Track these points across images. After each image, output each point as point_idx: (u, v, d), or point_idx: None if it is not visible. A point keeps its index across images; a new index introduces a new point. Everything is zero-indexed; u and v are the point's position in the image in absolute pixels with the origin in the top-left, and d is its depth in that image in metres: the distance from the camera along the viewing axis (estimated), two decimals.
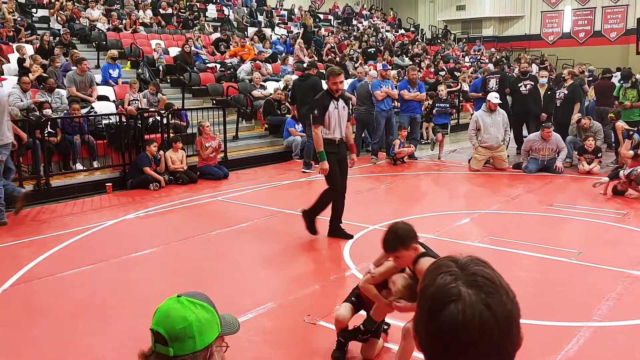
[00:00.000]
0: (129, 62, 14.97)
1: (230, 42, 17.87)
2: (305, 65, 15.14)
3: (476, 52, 28.54)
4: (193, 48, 15.99)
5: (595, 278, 5.44)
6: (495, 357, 1.09)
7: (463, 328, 1.08)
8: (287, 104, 13.15)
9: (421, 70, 19.34)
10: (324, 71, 12.22)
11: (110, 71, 12.97)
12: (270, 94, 13.82)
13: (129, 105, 11.06)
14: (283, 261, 6.13)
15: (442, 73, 20.29)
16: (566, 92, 11.87)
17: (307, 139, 11.68)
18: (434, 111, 13.33)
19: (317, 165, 6.92)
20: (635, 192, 8.43)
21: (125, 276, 5.67)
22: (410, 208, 8.37)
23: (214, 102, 13.78)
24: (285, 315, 4.70)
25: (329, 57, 18.62)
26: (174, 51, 15.99)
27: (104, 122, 10.42)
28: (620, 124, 10.83)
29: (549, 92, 12.09)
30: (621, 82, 11.97)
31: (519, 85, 12.12)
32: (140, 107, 11.12)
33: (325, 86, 7.31)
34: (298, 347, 4.24)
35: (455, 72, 20.99)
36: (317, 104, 6.66)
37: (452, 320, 1.09)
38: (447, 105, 13.76)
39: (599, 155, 10.54)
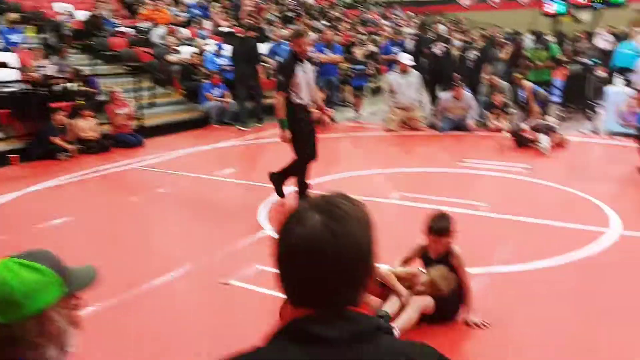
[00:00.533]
0: (32, 26, 14.09)
1: (144, 5, 17.17)
2: (226, 30, 14.88)
3: (395, 16, 28.83)
4: (103, 11, 15.25)
5: (499, 228, 5.72)
6: (339, 284, 1.11)
7: (303, 250, 1.10)
8: (202, 69, 12.87)
9: (340, 33, 19.34)
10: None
11: (10, 36, 12.18)
12: (187, 59, 13.46)
13: (34, 72, 10.46)
14: (198, 225, 6.08)
15: (361, 37, 20.39)
16: (478, 54, 12.25)
17: (239, 101, 11.59)
18: (351, 74, 13.42)
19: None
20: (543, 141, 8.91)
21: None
22: (328, 170, 8.45)
23: (128, 68, 13.27)
24: (200, 277, 4.68)
25: (247, 20, 18.27)
26: (82, 15, 15.18)
27: (7, 89, 9.82)
28: (529, 84, 11.30)
29: (461, 54, 12.43)
30: (534, 43, 12.48)
31: (434, 47, 12.39)
32: (47, 74, 10.55)
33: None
34: (212, 308, 4.25)
35: (373, 35, 21.14)
36: (283, 69, 6.30)
37: (294, 242, 1.11)
38: (364, 67, 13.87)
39: (508, 111, 10.98)
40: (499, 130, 10.51)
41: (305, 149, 6.38)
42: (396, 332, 3.40)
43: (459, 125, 10.79)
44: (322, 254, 1.09)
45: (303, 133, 6.30)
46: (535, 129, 9.05)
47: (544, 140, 8.91)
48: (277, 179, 6.59)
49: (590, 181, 7.26)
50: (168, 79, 13.32)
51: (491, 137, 10.27)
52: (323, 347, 1.07)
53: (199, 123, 12.18)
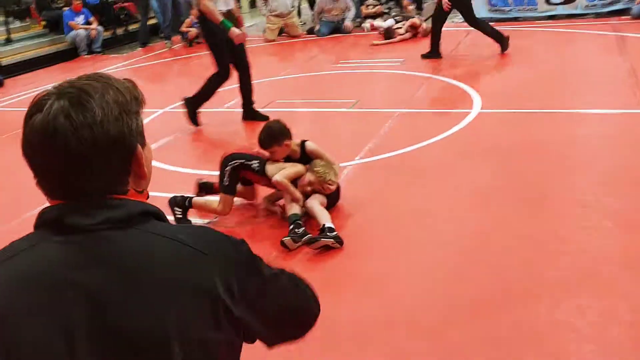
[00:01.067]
0: None
1: None
2: None
3: None
4: None
5: (366, 121, 5.80)
6: (86, 174, 1.03)
7: (39, 141, 1.01)
8: None
9: None
10: None
11: None
12: None
13: None
14: None
15: None
16: None
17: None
18: None
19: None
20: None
21: None
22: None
23: None
24: None
25: None
26: None
27: None
28: None
29: None
30: None
31: None
32: None
33: None
34: None
35: None
36: None
37: (31, 132, 1.02)
38: None
39: (383, 10, 10.98)
40: (375, 29, 10.51)
41: (224, 62, 5.92)
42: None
43: (338, 28, 10.69)
44: (58, 144, 0.99)
45: (220, 46, 5.83)
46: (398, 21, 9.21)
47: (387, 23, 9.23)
48: (192, 103, 6.13)
49: (458, 68, 7.47)
50: (24, 10, 12.20)
51: (367, 37, 10.28)
52: (77, 235, 1.01)
53: (66, 55, 11.36)
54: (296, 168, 3.84)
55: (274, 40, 10.84)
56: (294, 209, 3.69)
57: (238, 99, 6.38)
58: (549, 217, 3.59)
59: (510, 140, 4.86)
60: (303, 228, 3.54)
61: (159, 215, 1.11)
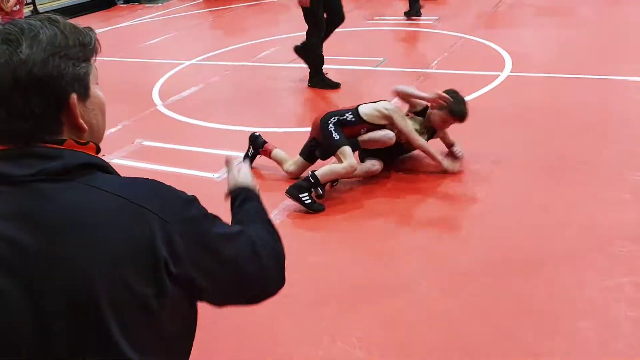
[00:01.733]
0: None
1: None
2: None
3: None
4: None
5: (390, 81, 5.65)
6: (8, 118, 0.99)
7: None
8: None
9: None
10: None
11: None
12: None
13: None
14: None
15: None
16: None
17: None
18: None
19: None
20: None
21: None
22: (230, 39, 8.10)
23: None
24: None
25: None
26: None
27: None
28: None
29: None
30: None
31: None
32: None
33: None
34: None
35: None
36: None
37: None
38: None
39: None
40: None
41: (319, 22, 5.58)
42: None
43: None
44: None
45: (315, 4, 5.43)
46: None
47: None
48: (315, 75, 5.71)
49: (495, 28, 7.19)
50: None
51: None
52: (7, 186, 0.97)
53: (104, 3, 11.40)
54: (398, 115, 3.74)
55: None
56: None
57: (268, 51, 6.28)
58: (566, 186, 3.45)
59: (536, 105, 4.67)
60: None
61: (104, 168, 1.05)
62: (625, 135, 4.05)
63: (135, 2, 11.53)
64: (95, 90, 1.08)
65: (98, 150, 1.10)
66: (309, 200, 3.46)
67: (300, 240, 3.17)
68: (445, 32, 7.19)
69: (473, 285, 2.66)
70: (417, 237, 3.13)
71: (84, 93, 1.04)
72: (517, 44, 6.33)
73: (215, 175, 3.97)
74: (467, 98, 4.78)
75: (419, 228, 3.21)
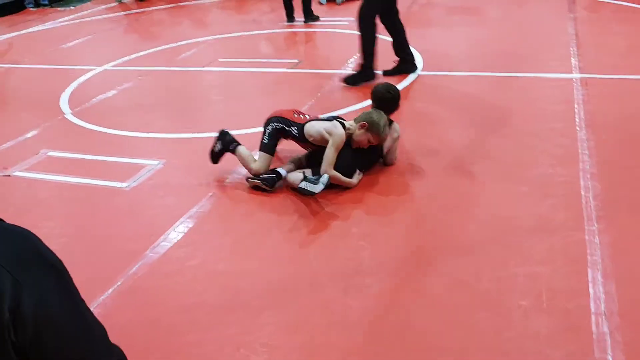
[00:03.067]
0: None
1: None
2: None
3: None
4: None
5: (307, 82, 5.70)
6: None
7: None
8: None
9: None
10: None
11: None
12: None
13: None
14: None
15: None
16: None
17: None
18: None
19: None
20: None
21: None
22: (146, 43, 7.93)
23: None
24: None
25: None
26: None
27: None
28: None
29: None
30: None
31: None
32: None
33: None
34: None
35: None
36: None
37: None
38: None
39: None
40: None
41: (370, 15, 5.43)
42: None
43: None
44: None
45: None
46: None
47: None
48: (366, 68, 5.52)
49: (409, 28, 7.36)
50: None
51: None
52: None
53: (12, 7, 10.89)
54: (334, 141, 3.62)
55: None
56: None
57: (184, 55, 6.17)
58: (468, 181, 3.59)
59: (444, 103, 4.83)
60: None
61: None
62: (525, 130, 4.25)
63: (45, 6, 11.08)
64: None
65: None
66: (216, 150, 3.88)
67: (208, 248, 3.15)
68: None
69: (375, 283, 2.72)
70: (321, 239, 3.16)
71: None
72: (429, 43, 6.51)
73: (124, 184, 3.88)
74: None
75: (323, 230, 3.25)
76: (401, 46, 5.63)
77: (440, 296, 2.62)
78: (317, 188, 3.42)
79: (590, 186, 3.38)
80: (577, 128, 4.15)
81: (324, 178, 3.49)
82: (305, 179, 3.51)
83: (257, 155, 3.81)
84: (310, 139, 3.74)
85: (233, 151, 3.88)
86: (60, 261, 0.97)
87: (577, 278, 2.64)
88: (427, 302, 2.59)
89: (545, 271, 2.70)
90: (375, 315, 2.52)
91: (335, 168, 3.60)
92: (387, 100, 3.96)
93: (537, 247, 2.89)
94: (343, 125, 3.72)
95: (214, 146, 3.94)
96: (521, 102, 4.77)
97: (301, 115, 3.87)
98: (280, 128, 3.79)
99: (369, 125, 3.67)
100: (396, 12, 5.58)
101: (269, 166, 3.79)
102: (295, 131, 3.77)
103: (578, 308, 2.45)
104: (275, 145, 3.83)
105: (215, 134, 3.98)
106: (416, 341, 2.37)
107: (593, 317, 2.39)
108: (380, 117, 3.72)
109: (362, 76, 5.46)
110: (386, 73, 5.56)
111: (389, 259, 2.91)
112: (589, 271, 2.67)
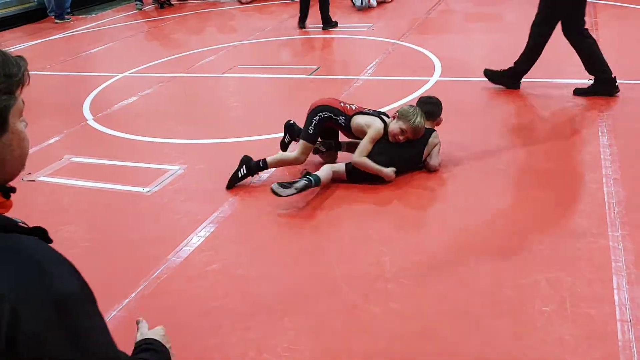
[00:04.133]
0: None
1: None
2: None
3: None
4: None
5: (325, 89, 5.72)
6: None
7: None
8: None
9: None
10: None
11: None
12: None
13: None
14: None
15: None
16: None
17: None
18: None
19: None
20: None
21: None
22: (166, 50, 8.01)
23: None
24: None
25: None
26: None
27: None
28: None
29: None
30: None
31: None
32: None
33: None
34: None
35: None
36: None
37: None
38: None
39: None
40: None
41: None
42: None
43: None
44: None
45: None
46: None
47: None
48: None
49: (426, 34, 7.37)
50: None
51: (338, 1, 10.09)
52: None
53: (35, 16, 11.06)
54: (370, 133, 3.75)
55: (246, 3, 10.62)
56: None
57: (203, 62, 6.21)
58: (488, 186, 3.57)
59: (463, 109, 4.81)
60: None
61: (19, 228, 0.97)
62: (546, 136, 4.23)
63: (67, 14, 11.23)
64: (17, 125, 1.01)
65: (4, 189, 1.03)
66: (241, 175, 3.81)
67: (229, 253, 3.17)
68: (379, 38, 7.33)
69: (395, 289, 2.72)
70: (342, 244, 3.17)
71: (1, 127, 0.98)
72: (447, 49, 6.50)
73: (146, 189, 3.92)
74: (398, 103, 4.94)
75: (344, 235, 3.25)
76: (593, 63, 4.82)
77: (462, 302, 2.61)
78: (285, 192, 3.46)
79: (614, 192, 3.35)
80: (600, 134, 4.12)
81: (299, 184, 3.50)
82: (279, 183, 3.52)
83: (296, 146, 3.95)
84: (354, 131, 3.84)
85: (264, 167, 3.86)
86: (75, 291, 0.95)
87: (602, 284, 2.61)
88: (448, 308, 2.58)
89: (568, 277, 2.67)
90: (397, 321, 2.52)
91: (370, 159, 3.69)
92: (427, 102, 3.98)
93: (560, 253, 2.86)
94: (384, 121, 3.83)
95: (238, 171, 3.87)
96: (542, 108, 4.74)
97: (347, 105, 3.94)
98: (328, 117, 3.85)
99: (399, 114, 3.76)
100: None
101: (308, 155, 3.88)
102: (343, 121, 3.85)
103: (603, 315, 2.43)
104: (319, 135, 3.90)
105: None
106: (437, 347, 2.36)
107: (619, 324, 2.36)
108: (412, 108, 3.79)
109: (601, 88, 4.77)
110: (577, 92, 4.88)
111: (409, 264, 2.91)
112: (614, 277, 2.64)
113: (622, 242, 2.89)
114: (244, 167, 3.86)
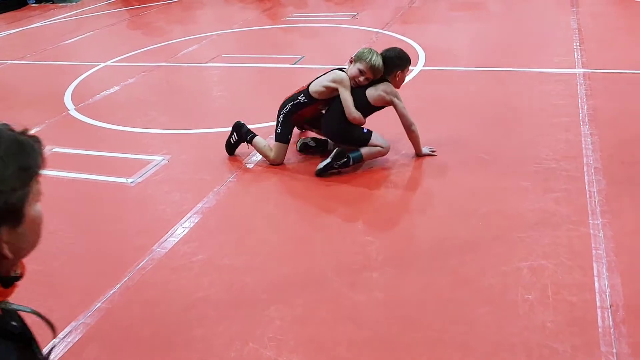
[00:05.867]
0: None
1: None
2: None
3: None
4: None
5: (309, 78, 5.69)
6: None
7: None
8: None
9: None
10: None
11: None
12: None
13: None
14: (4, 113, 5.57)
15: None
16: None
17: None
18: None
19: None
20: None
21: None
22: (148, 39, 7.94)
23: None
24: None
25: None
26: None
27: None
28: None
29: None
30: None
31: None
32: None
33: None
34: None
35: None
36: None
37: None
38: None
39: None
40: None
41: None
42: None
43: None
44: None
45: None
46: None
47: None
48: None
49: (410, 23, 7.37)
50: None
51: None
52: None
53: (13, 3, 10.89)
54: (342, 84, 3.74)
55: None
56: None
57: (186, 51, 6.15)
58: (470, 176, 3.60)
59: (446, 98, 4.83)
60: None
61: None
62: (528, 125, 4.26)
63: (47, 2, 11.08)
64: (33, 210, 0.94)
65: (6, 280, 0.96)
66: (232, 142, 4.01)
67: (214, 243, 3.16)
68: (363, 27, 7.32)
69: (381, 278, 2.74)
70: (328, 234, 3.18)
71: (17, 221, 0.91)
72: (431, 39, 6.52)
73: (129, 180, 3.90)
74: None
75: (330, 225, 3.26)
76: None
77: (445, 291, 2.63)
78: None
79: (595, 180, 3.39)
80: (581, 123, 4.16)
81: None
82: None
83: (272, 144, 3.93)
84: (319, 96, 3.80)
85: (250, 142, 3.96)
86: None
87: (582, 272, 2.65)
88: (432, 296, 2.61)
89: (550, 265, 2.71)
90: (381, 310, 2.54)
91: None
92: (388, 49, 3.87)
93: (542, 241, 2.90)
94: (342, 70, 3.83)
95: (230, 137, 4.03)
96: (524, 97, 4.77)
97: (303, 85, 3.95)
98: (290, 109, 3.85)
99: (355, 56, 3.76)
100: None
101: (284, 155, 3.89)
102: (303, 98, 3.83)
103: (583, 302, 2.47)
104: (290, 133, 3.90)
105: (229, 128, 4.08)
106: (421, 335, 2.39)
107: (599, 311, 2.41)
108: (368, 49, 3.77)
109: None
110: None
111: (394, 254, 2.93)
112: (594, 265, 2.69)
113: (602, 230, 2.93)
114: (235, 133, 3.99)
